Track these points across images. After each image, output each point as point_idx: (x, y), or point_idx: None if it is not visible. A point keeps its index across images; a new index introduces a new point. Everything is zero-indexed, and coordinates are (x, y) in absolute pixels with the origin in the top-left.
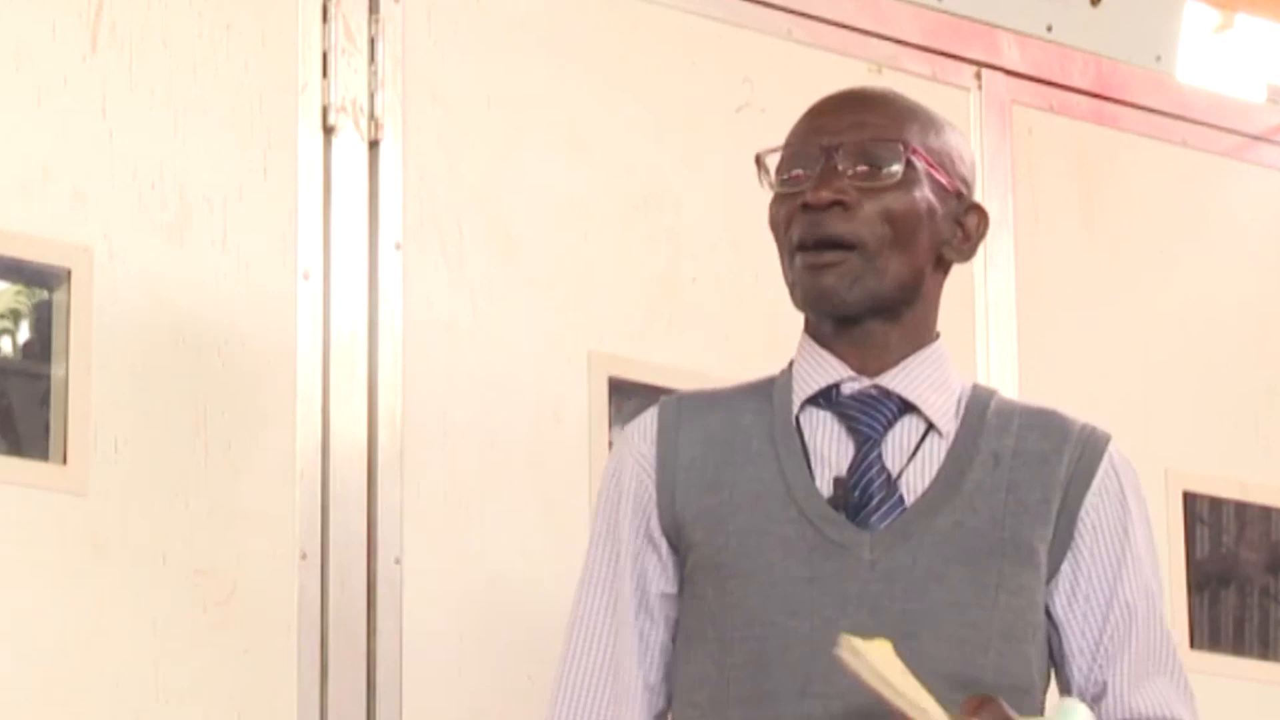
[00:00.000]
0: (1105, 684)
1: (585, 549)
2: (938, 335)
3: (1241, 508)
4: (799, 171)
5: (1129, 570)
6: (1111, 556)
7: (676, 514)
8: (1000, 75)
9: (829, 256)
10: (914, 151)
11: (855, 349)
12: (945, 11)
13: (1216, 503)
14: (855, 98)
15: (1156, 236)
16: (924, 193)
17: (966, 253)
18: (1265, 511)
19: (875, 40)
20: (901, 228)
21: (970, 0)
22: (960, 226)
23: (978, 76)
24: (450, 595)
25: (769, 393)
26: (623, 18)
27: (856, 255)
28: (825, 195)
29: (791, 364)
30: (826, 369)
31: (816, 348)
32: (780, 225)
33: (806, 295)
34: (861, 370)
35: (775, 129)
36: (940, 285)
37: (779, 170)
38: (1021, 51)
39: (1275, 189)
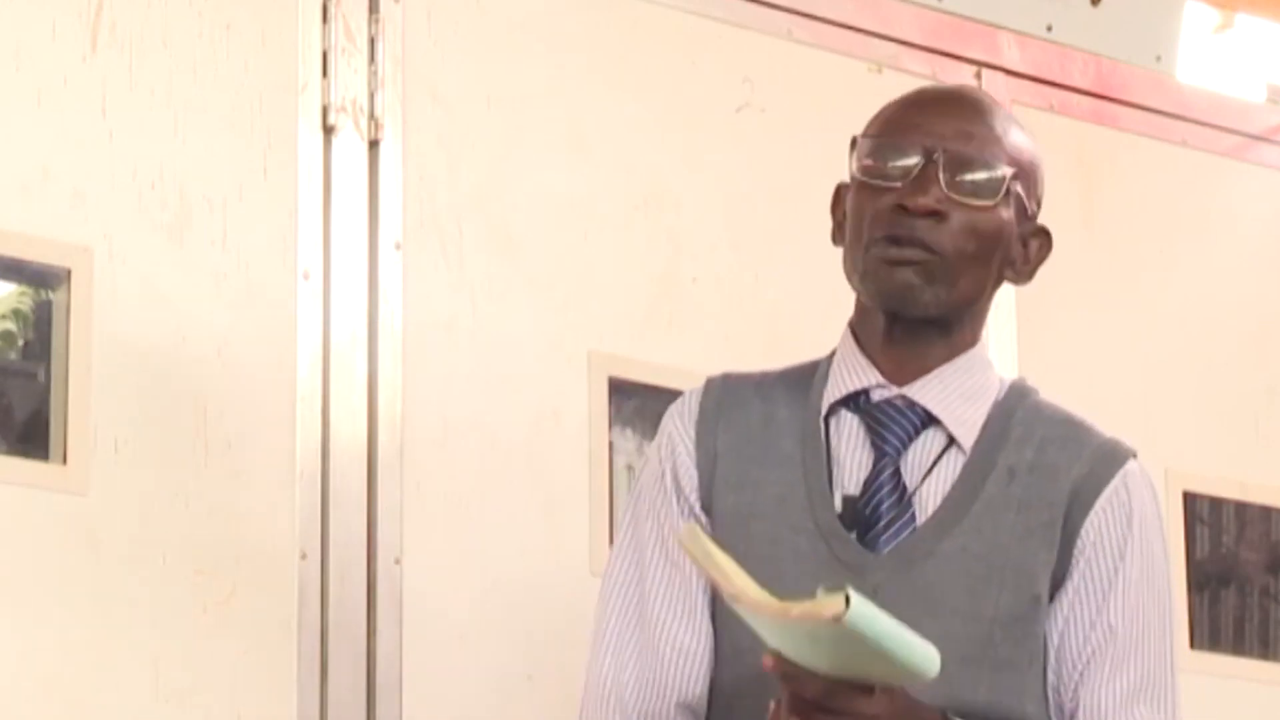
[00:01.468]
0: (1080, 701)
1: (599, 538)
2: (977, 340)
3: (1241, 508)
4: (893, 165)
5: (1118, 593)
6: (1102, 578)
7: (712, 505)
8: (1000, 75)
9: (914, 253)
10: (1015, 177)
11: (897, 351)
12: (945, 11)
13: (1216, 503)
14: (961, 102)
15: (1156, 236)
16: (1009, 214)
17: (1026, 275)
18: (1265, 511)
19: (875, 40)
20: (983, 246)
21: (970, 0)
22: (1025, 248)
23: (978, 76)
24: (450, 595)
25: (808, 386)
26: (623, 18)
27: (938, 262)
28: (925, 202)
29: (834, 354)
30: (859, 373)
31: (855, 348)
32: (864, 217)
33: (881, 288)
34: (894, 376)
35: (775, 129)
36: (990, 301)
37: (869, 156)
38: (1021, 51)
39: (1275, 189)
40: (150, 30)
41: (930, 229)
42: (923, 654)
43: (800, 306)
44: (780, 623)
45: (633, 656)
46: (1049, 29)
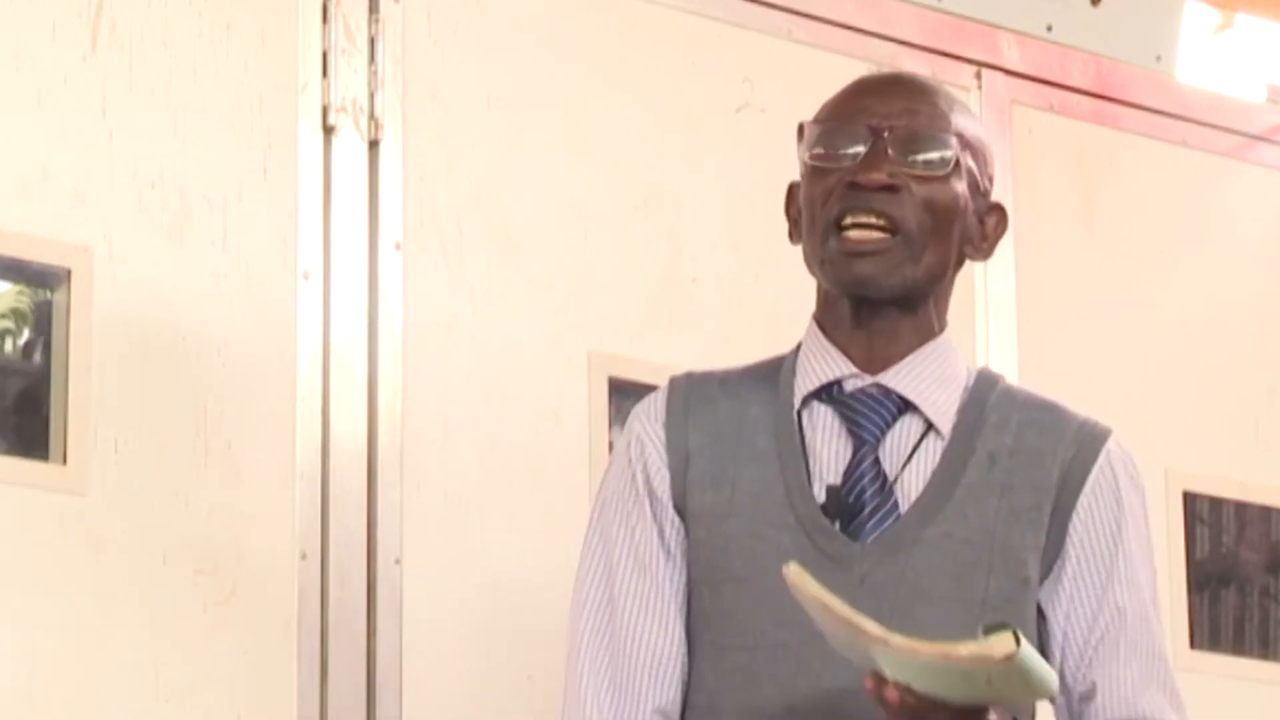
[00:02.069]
0: (1095, 684)
1: (589, 530)
2: (944, 326)
3: (1241, 508)
4: (842, 149)
5: (1120, 572)
6: (1103, 558)
7: (686, 504)
8: (1000, 75)
9: (873, 239)
10: (964, 149)
11: (865, 337)
12: (945, 11)
13: (1216, 503)
14: (904, 83)
15: (1156, 236)
16: (962, 186)
17: (985, 252)
18: (1265, 511)
19: (875, 40)
20: (941, 219)
21: (970, 0)
22: (981, 225)
23: (978, 76)
24: (450, 595)
25: (775, 380)
26: (623, 18)
27: (899, 241)
28: (877, 177)
29: (799, 348)
30: (830, 363)
31: (822, 339)
32: (816, 201)
33: (841, 277)
34: (865, 365)
35: (775, 129)
36: (953, 282)
37: (818, 143)
38: (1021, 51)
39: (1275, 189)
40: (150, 30)
41: (887, 202)
42: (1053, 675)
43: (800, 306)
44: (931, 663)
45: (605, 668)
46: (1049, 29)
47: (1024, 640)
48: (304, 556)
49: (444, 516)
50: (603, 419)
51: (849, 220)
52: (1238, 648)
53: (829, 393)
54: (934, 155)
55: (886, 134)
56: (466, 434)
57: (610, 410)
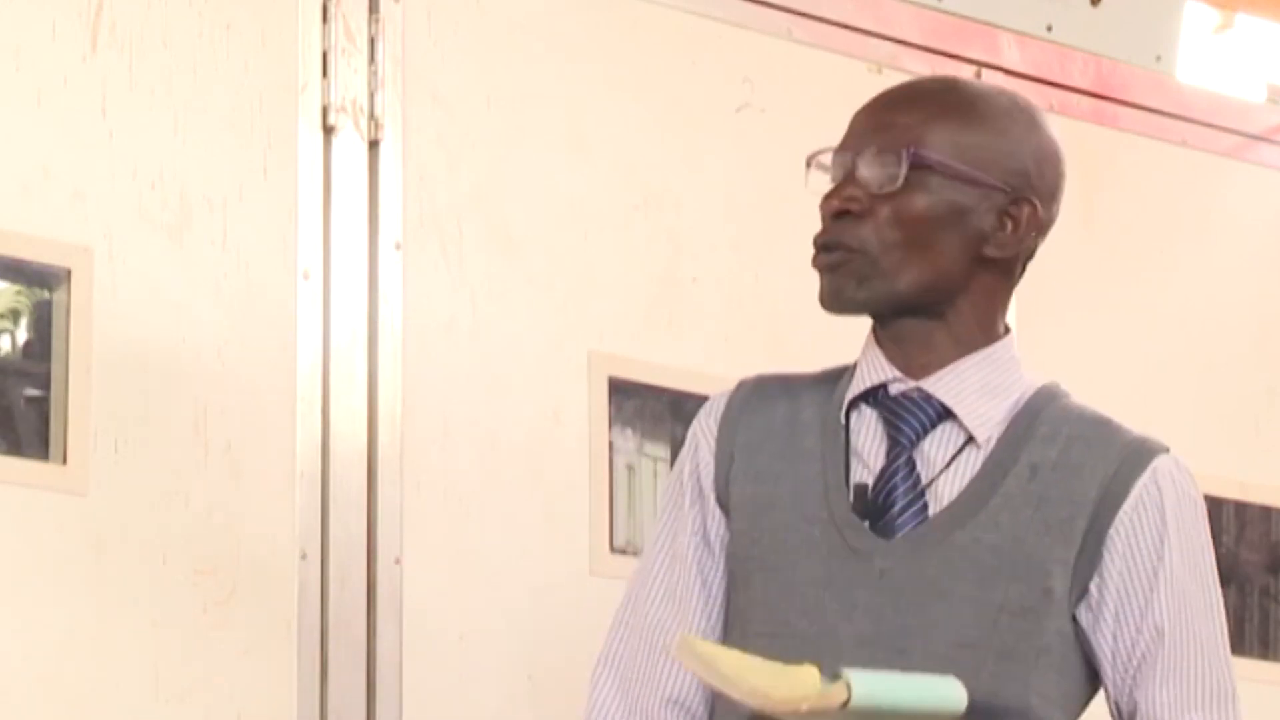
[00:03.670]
0: (1137, 704)
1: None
2: (1006, 332)
3: (1241, 508)
4: (835, 173)
5: (1161, 592)
6: (1145, 577)
7: (729, 497)
8: (1000, 75)
9: (834, 257)
10: (918, 156)
11: (898, 347)
12: (945, 11)
13: (1216, 503)
14: (887, 99)
15: (1156, 236)
16: (942, 195)
17: (1013, 245)
18: (1265, 511)
19: (875, 40)
20: (914, 231)
21: (970, 0)
22: (1009, 219)
23: (978, 76)
24: (450, 595)
25: (834, 385)
26: (623, 18)
27: (860, 258)
28: (831, 205)
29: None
30: (877, 368)
31: (873, 345)
32: None
33: (820, 295)
34: (908, 370)
35: (775, 129)
36: (994, 283)
37: (830, 170)
38: (1021, 51)
39: (1275, 189)
40: (150, 30)
41: (848, 229)
42: (944, 693)
43: (800, 306)
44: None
45: (621, 654)
46: (1049, 29)
47: (864, 680)
48: (304, 556)
49: (444, 516)
50: (603, 419)
51: (820, 246)
52: (1238, 648)
53: (875, 396)
54: (882, 176)
55: (859, 157)
56: (466, 434)
57: (610, 410)
